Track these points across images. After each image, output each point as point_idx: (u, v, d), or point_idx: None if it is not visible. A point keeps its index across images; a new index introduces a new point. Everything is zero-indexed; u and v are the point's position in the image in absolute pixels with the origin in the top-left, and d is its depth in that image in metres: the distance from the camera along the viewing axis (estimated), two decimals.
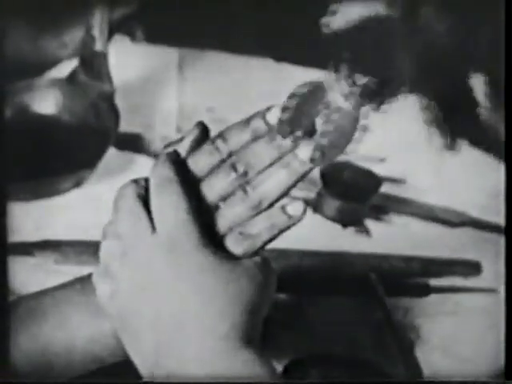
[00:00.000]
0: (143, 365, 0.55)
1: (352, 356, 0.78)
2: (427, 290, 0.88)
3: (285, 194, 0.56)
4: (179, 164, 0.57)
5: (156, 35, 1.16)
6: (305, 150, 0.55)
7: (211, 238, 0.56)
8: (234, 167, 0.56)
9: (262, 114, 0.56)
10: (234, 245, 0.56)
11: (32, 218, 0.89)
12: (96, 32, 0.97)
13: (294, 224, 0.56)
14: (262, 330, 0.56)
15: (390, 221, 0.96)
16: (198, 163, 0.57)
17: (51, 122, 1.00)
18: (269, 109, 0.56)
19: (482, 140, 1.00)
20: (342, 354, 0.78)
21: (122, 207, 0.56)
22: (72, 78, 1.01)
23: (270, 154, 0.56)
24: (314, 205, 0.95)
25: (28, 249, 0.86)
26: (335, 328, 0.81)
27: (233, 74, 1.11)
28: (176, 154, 0.57)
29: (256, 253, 0.56)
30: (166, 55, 1.13)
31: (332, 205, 0.94)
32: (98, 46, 0.98)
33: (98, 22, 0.96)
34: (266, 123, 0.56)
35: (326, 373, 0.73)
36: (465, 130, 0.91)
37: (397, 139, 1.05)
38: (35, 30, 1.06)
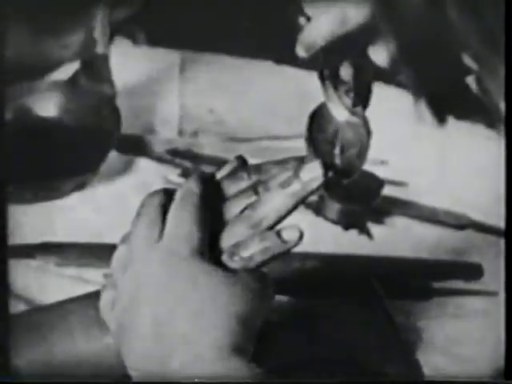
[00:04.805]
0: (137, 371, 0.55)
1: (353, 358, 0.78)
2: (429, 293, 0.88)
3: (286, 214, 0.57)
4: (210, 184, 0.59)
5: (157, 38, 1.16)
6: (307, 171, 0.56)
7: (212, 251, 0.56)
8: (255, 190, 0.58)
9: (299, 160, 0.59)
10: (228, 263, 0.56)
11: (33, 221, 0.89)
12: (97, 34, 0.97)
13: (288, 249, 0.57)
14: (259, 336, 0.56)
15: (392, 223, 0.96)
16: (230, 186, 0.59)
17: (52, 125, 1.00)
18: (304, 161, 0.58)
19: (470, 114, 0.99)
20: (344, 355, 0.78)
21: (143, 214, 0.57)
22: (73, 80, 1.01)
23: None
24: (316, 207, 0.95)
25: (29, 251, 0.86)
26: (336, 330, 0.81)
27: (234, 77, 1.11)
28: (211, 175, 0.60)
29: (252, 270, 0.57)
30: (168, 58, 1.14)
31: (334, 207, 0.94)
32: (100, 49, 0.98)
33: (100, 24, 0.96)
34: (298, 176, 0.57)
35: (327, 374, 0.73)
36: (452, 104, 0.90)
37: (398, 141, 1.05)
38: (36, 33, 1.06)
